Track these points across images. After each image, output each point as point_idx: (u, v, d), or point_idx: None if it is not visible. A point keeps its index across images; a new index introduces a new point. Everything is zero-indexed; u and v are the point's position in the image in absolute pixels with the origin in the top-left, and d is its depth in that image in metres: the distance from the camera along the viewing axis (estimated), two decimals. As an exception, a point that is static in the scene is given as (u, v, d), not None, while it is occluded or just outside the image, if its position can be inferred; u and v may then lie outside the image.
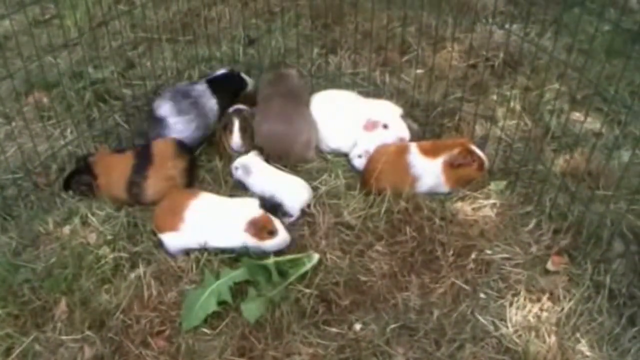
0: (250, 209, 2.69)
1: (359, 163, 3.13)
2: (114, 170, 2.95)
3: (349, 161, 3.20)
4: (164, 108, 3.17)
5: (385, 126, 3.11)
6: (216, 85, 3.33)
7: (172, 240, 2.71)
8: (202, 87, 3.28)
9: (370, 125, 3.10)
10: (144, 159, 2.97)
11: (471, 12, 4.14)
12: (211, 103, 3.27)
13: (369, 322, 2.48)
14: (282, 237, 2.68)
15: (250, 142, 3.18)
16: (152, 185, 2.93)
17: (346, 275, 2.62)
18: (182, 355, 2.37)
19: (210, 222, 2.68)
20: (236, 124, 3.17)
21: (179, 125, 3.17)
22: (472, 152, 2.93)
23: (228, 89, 3.40)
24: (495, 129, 3.25)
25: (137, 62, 3.81)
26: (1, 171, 3.16)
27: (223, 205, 2.77)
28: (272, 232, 2.65)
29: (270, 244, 2.65)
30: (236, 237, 2.65)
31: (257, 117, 3.20)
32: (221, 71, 3.48)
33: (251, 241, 2.64)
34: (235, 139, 3.16)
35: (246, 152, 3.13)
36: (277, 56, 3.87)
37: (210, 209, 2.73)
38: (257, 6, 4.13)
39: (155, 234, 2.79)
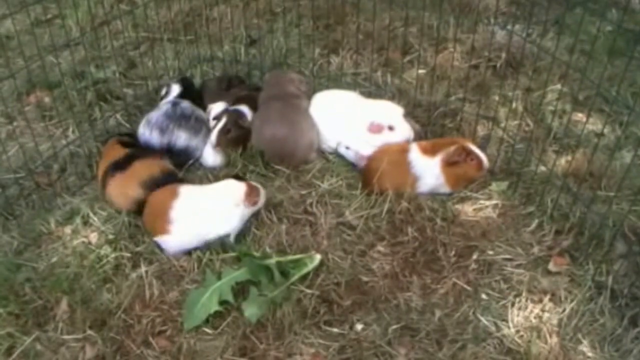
0: (234, 186, 2.76)
1: (344, 153, 3.19)
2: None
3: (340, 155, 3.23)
4: (183, 138, 3.16)
5: (391, 128, 3.10)
6: (191, 97, 3.36)
7: (168, 243, 2.71)
8: (187, 104, 3.27)
9: (376, 128, 3.10)
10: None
11: (473, 13, 4.14)
12: (202, 113, 3.33)
13: (370, 323, 2.48)
14: (263, 192, 2.83)
15: (233, 146, 3.16)
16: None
17: (348, 275, 2.62)
18: (184, 354, 2.36)
19: (201, 214, 2.70)
20: (220, 124, 3.14)
21: (201, 144, 3.23)
22: (469, 151, 2.93)
23: (197, 94, 3.47)
24: (497, 130, 3.25)
25: (139, 61, 3.82)
26: (3, 171, 3.16)
27: (207, 193, 2.78)
28: (258, 194, 2.80)
29: (259, 204, 2.81)
30: (233, 216, 2.72)
31: (256, 120, 3.20)
32: (174, 87, 3.42)
33: (248, 211, 2.77)
34: (212, 137, 3.15)
35: (222, 152, 3.16)
36: (278, 56, 3.88)
37: (196, 201, 2.74)
38: (259, 6, 4.13)
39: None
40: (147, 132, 3.17)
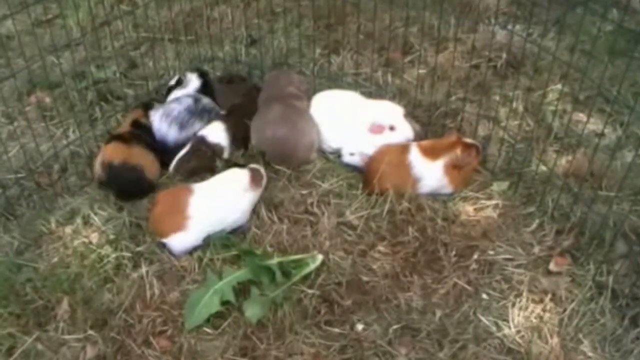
0: (239, 173, 2.83)
1: (351, 160, 3.15)
2: None
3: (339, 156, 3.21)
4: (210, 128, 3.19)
5: (392, 128, 3.10)
6: (209, 92, 3.40)
7: (180, 241, 2.72)
8: (208, 100, 3.30)
9: (377, 129, 3.09)
10: None
11: (473, 13, 4.14)
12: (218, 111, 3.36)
13: (371, 323, 2.48)
14: (264, 173, 2.93)
15: (194, 175, 3.06)
16: None
17: (348, 275, 2.62)
18: (184, 354, 2.37)
19: (217, 206, 2.74)
20: (183, 151, 3.08)
21: None
22: (469, 145, 2.94)
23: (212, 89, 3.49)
24: (497, 130, 3.25)
25: (140, 62, 3.81)
26: (4, 171, 3.16)
27: (218, 186, 2.82)
28: (261, 176, 2.90)
29: (263, 184, 2.91)
30: (245, 202, 2.81)
31: (257, 121, 3.20)
32: (191, 78, 3.41)
33: (255, 195, 2.85)
34: (172, 164, 3.09)
35: (180, 180, 3.07)
36: (279, 56, 3.88)
37: (211, 195, 2.77)
38: (260, 6, 4.13)
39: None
40: (165, 127, 3.15)
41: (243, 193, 2.79)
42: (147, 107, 3.29)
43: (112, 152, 2.98)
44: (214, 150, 3.10)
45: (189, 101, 3.23)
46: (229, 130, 3.16)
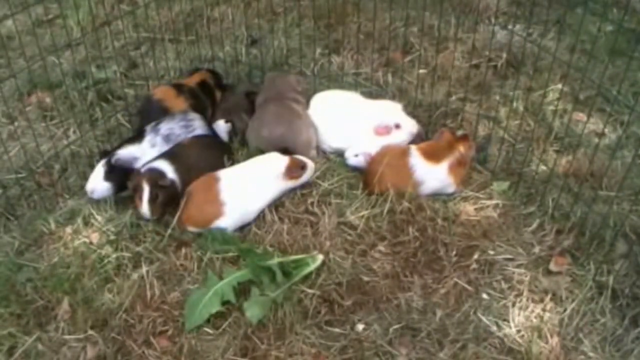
0: (277, 159, 2.88)
1: (356, 162, 3.14)
2: None
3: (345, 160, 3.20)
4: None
5: (397, 126, 3.11)
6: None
7: (223, 225, 2.78)
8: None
9: (383, 130, 3.09)
10: None
11: (474, 13, 4.14)
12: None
13: (371, 323, 2.48)
14: (311, 167, 2.95)
15: (164, 210, 2.82)
16: None
17: (349, 275, 2.62)
18: (185, 355, 2.37)
19: (247, 188, 2.80)
20: (145, 194, 2.76)
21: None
22: (464, 138, 2.96)
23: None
24: (498, 130, 3.25)
25: (140, 62, 3.82)
26: (4, 171, 3.17)
27: (249, 169, 2.88)
28: (303, 167, 2.91)
29: (305, 177, 2.93)
30: (274, 188, 2.87)
31: (253, 122, 3.22)
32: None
33: (289, 184, 2.90)
34: (144, 209, 2.78)
35: (157, 220, 2.82)
36: (280, 56, 3.88)
37: (240, 178, 2.83)
38: (260, 6, 4.13)
39: (159, 234, 2.80)
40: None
41: (273, 178, 2.83)
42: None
43: None
44: (171, 180, 2.84)
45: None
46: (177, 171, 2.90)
